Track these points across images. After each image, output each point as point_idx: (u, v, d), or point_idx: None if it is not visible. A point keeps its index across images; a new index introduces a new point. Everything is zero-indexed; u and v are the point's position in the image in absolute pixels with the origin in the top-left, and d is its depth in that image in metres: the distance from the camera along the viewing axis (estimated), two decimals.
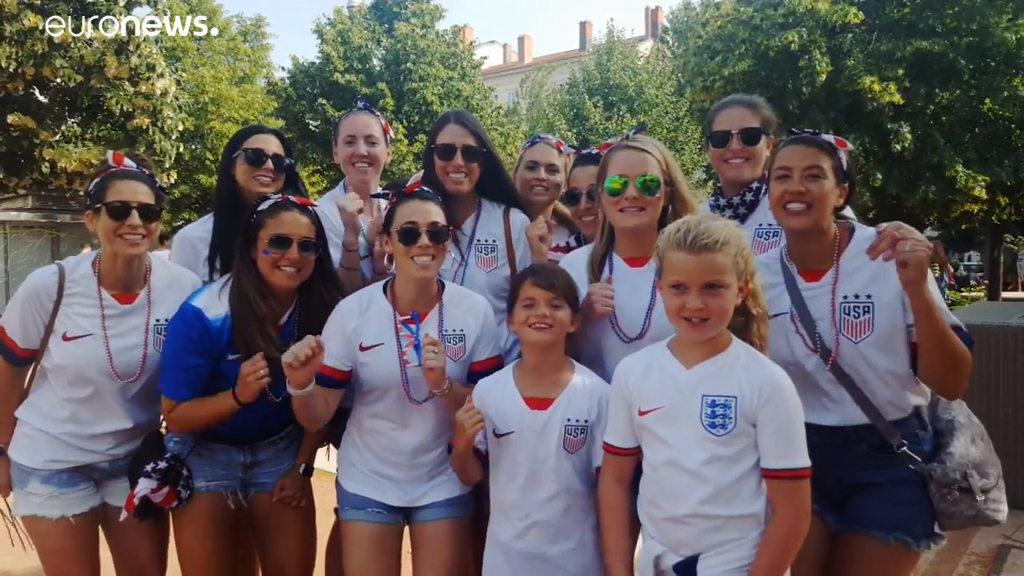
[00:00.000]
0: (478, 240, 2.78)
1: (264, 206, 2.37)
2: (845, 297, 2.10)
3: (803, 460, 1.78)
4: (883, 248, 1.94)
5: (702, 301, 1.78)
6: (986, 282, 23.54)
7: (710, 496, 1.79)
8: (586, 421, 2.15)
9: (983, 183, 13.86)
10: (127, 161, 2.45)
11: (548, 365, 2.19)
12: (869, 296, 2.08)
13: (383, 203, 2.67)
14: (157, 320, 2.46)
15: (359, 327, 2.34)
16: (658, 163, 2.24)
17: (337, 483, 2.49)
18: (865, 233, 2.17)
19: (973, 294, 23.57)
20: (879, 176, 14.17)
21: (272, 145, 2.76)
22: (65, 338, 2.38)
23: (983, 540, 4.18)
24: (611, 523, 2.01)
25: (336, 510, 2.49)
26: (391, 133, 3.15)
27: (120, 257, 2.41)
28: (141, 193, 2.37)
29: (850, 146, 2.19)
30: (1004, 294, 22.80)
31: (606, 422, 2.13)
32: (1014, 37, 13.24)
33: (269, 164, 2.72)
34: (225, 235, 2.64)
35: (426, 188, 2.41)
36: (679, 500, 1.83)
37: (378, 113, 3.11)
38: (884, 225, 1.99)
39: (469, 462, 2.24)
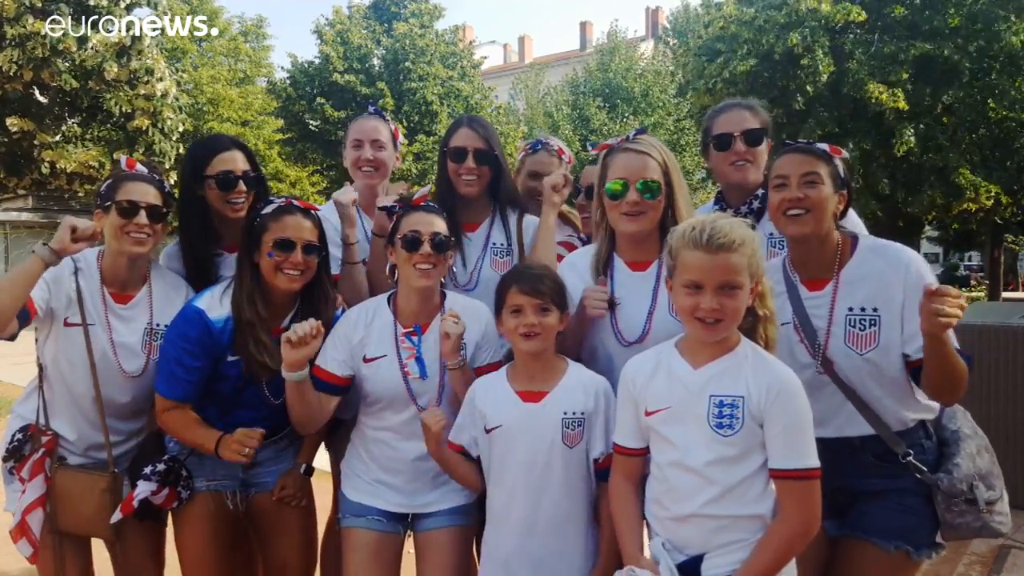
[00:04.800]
0: (493, 243, 2.80)
1: (268, 210, 2.39)
2: (851, 309, 2.09)
3: (812, 460, 1.76)
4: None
5: (717, 302, 1.76)
6: (986, 282, 23.54)
7: (716, 496, 1.78)
8: (583, 413, 2.14)
9: (995, 193, 13.79)
10: (139, 166, 2.52)
11: (540, 364, 2.19)
12: (876, 309, 2.06)
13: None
14: (150, 324, 2.50)
15: (364, 338, 2.36)
16: (659, 165, 2.23)
17: (340, 491, 2.50)
18: (868, 243, 2.16)
19: (973, 294, 23.57)
20: (886, 183, 14.15)
21: (239, 162, 2.66)
22: (66, 323, 2.42)
23: (983, 540, 4.17)
24: (622, 514, 1.98)
25: (338, 518, 2.49)
26: (400, 138, 3.13)
27: (124, 255, 2.45)
28: (150, 195, 2.44)
29: (845, 154, 2.19)
30: (1004, 294, 22.84)
31: (604, 415, 2.13)
32: (1020, 39, 13.19)
33: (241, 186, 2.63)
34: (195, 254, 2.68)
35: (431, 203, 2.43)
36: (685, 500, 1.82)
37: (388, 118, 3.09)
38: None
39: (455, 462, 2.25)
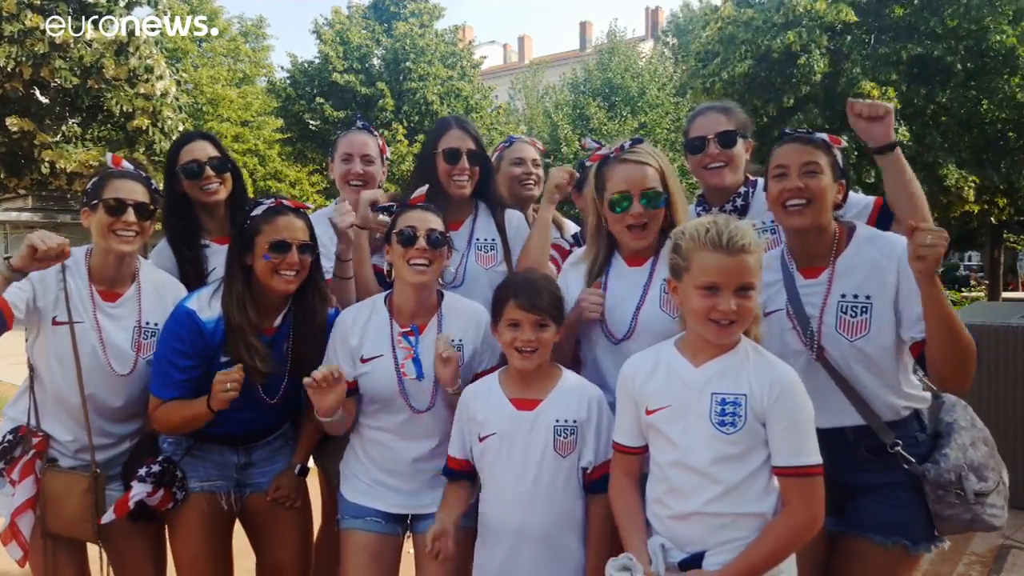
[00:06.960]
0: (477, 239, 2.82)
1: (258, 211, 2.38)
2: (843, 296, 2.10)
3: (815, 457, 1.77)
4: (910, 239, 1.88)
5: (735, 303, 1.77)
6: (986, 282, 23.52)
7: (720, 495, 1.79)
8: (575, 422, 2.13)
9: (972, 184, 13.82)
10: (125, 164, 2.52)
11: (534, 372, 2.18)
12: (868, 296, 2.07)
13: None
14: (139, 323, 2.48)
15: (361, 339, 2.36)
16: (657, 172, 2.26)
17: (339, 493, 2.49)
18: (864, 233, 2.17)
19: (973, 294, 23.54)
20: (873, 175, 14.10)
21: (205, 150, 2.77)
22: (54, 322, 2.40)
23: (983, 540, 4.18)
24: (624, 510, 1.97)
25: (337, 519, 2.48)
26: (387, 152, 3.20)
27: (112, 254, 2.43)
28: (137, 192, 2.43)
29: (844, 143, 2.19)
30: (1004, 294, 22.80)
31: (597, 424, 2.13)
32: (1003, 39, 13.20)
33: (208, 171, 2.74)
34: (180, 248, 2.74)
35: (427, 203, 2.44)
36: (687, 499, 1.82)
37: (376, 133, 3.15)
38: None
39: (458, 495, 2.25)
